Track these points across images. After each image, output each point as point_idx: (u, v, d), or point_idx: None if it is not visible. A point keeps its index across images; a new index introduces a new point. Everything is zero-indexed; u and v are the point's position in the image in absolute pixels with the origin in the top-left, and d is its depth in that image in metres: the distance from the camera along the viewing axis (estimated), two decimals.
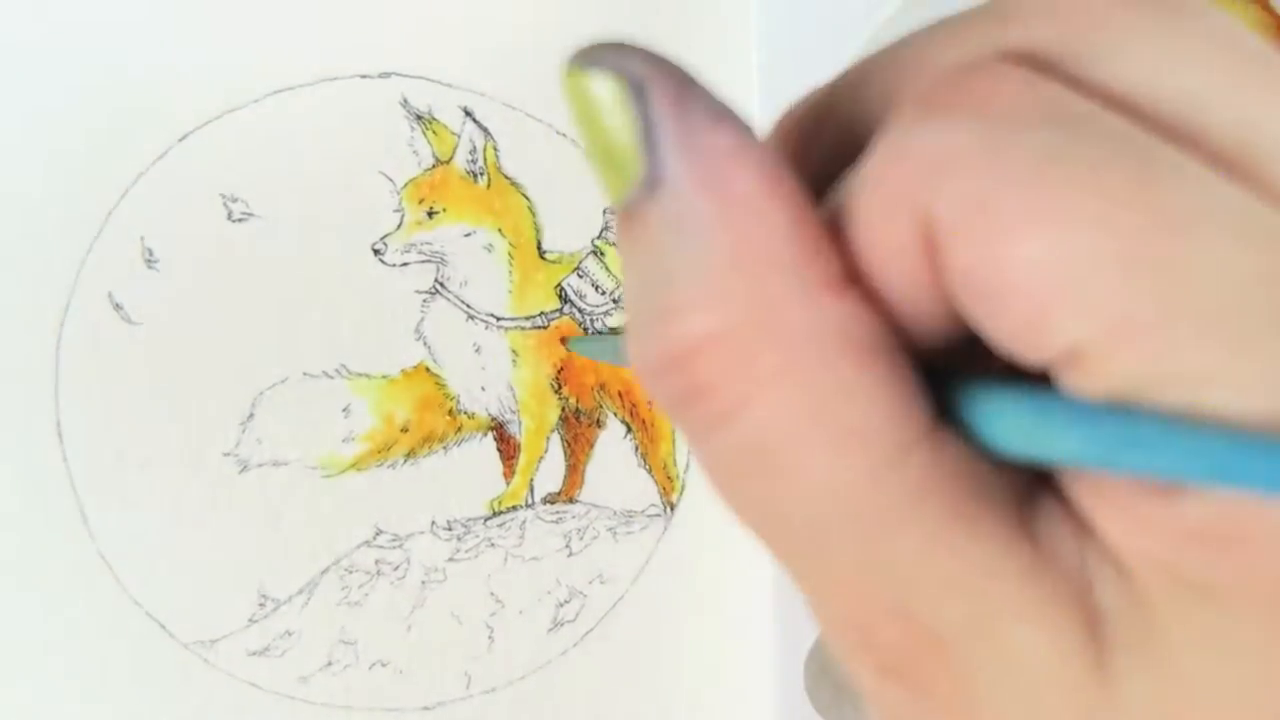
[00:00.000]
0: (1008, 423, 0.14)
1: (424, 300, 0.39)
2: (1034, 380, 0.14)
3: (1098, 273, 0.12)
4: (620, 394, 0.39)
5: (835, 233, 0.14)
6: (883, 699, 0.15)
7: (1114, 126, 0.13)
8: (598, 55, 0.14)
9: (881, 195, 0.14)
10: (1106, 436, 0.12)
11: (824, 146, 0.16)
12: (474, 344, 0.39)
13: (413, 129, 0.38)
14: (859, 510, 0.14)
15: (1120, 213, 0.12)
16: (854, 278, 0.14)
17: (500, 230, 0.39)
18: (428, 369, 0.39)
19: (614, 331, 0.19)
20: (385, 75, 0.38)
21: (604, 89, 0.14)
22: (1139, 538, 0.13)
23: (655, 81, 0.14)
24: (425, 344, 0.39)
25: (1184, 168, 0.13)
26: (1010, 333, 0.13)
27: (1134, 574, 0.13)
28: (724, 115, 0.14)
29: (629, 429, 0.39)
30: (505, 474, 0.39)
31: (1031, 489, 0.14)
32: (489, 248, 0.39)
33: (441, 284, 0.39)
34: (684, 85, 0.14)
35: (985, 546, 0.13)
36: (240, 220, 0.38)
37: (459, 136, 0.38)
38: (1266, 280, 0.12)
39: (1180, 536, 0.12)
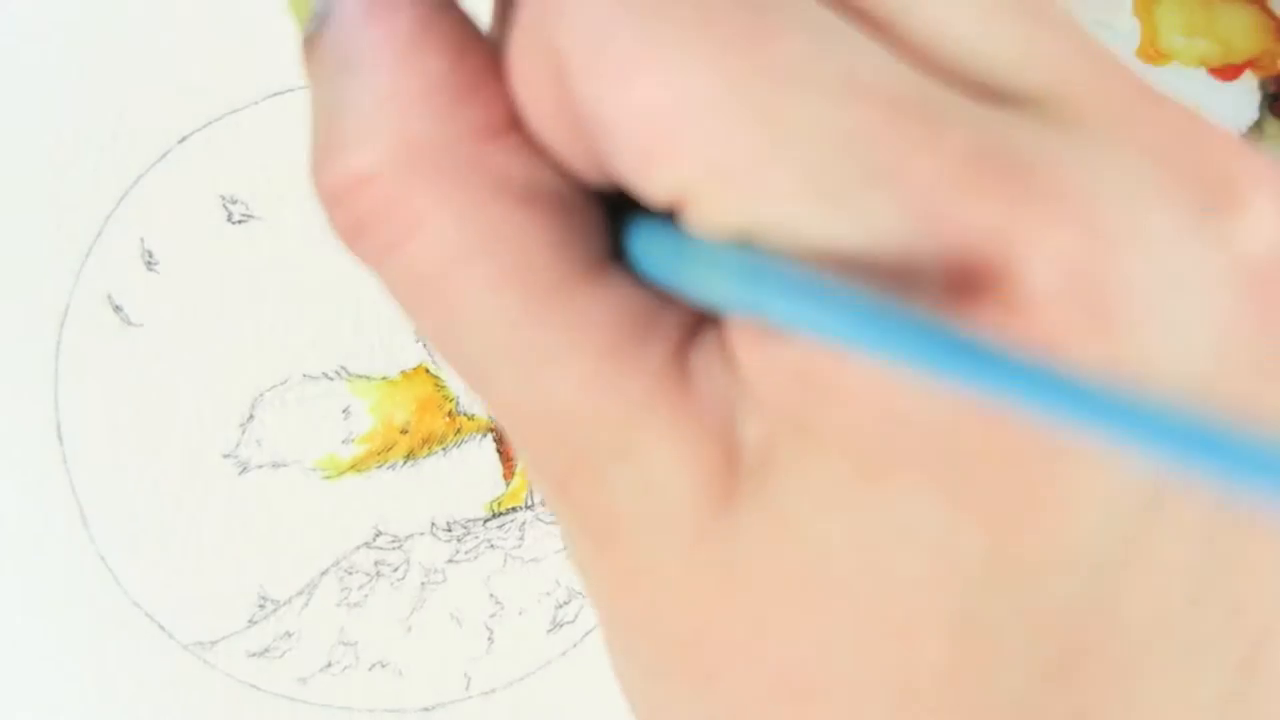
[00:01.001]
0: (656, 257, 0.14)
1: None
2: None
3: (701, 117, 0.12)
4: None
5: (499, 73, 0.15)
6: (560, 521, 0.15)
7: None
8: None
9: (519, 33, 0.14)
10: (721, 278, 0.13)
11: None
12: None
13: None
14: (517, 346, 0.14)
15: (730, 58, 0.12)
16: (517, 121, 0.14)
17: None
18: (428, 370, 0.39)
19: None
20: None
21: None
22: (768, 372, 0.13)
23: None
24: (425, 345, 0.39)
25: (805, 17, 0.13)
26: (629, 173, 0.13)
27: (764, 409, 0.13)
28: None
29: None
30: (505, 475, 0.39)
31: (701, 322, 0.14)
32: None
33: None
34: None
35: (638, 382, 0.14)
36: (240, 222, 0.38)
37: None
38: (858, 137, 0.12)
39: (790, 376, 0.13)
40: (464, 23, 0.15)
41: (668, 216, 0.14)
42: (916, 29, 0.13)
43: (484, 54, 0.14)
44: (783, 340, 0.13)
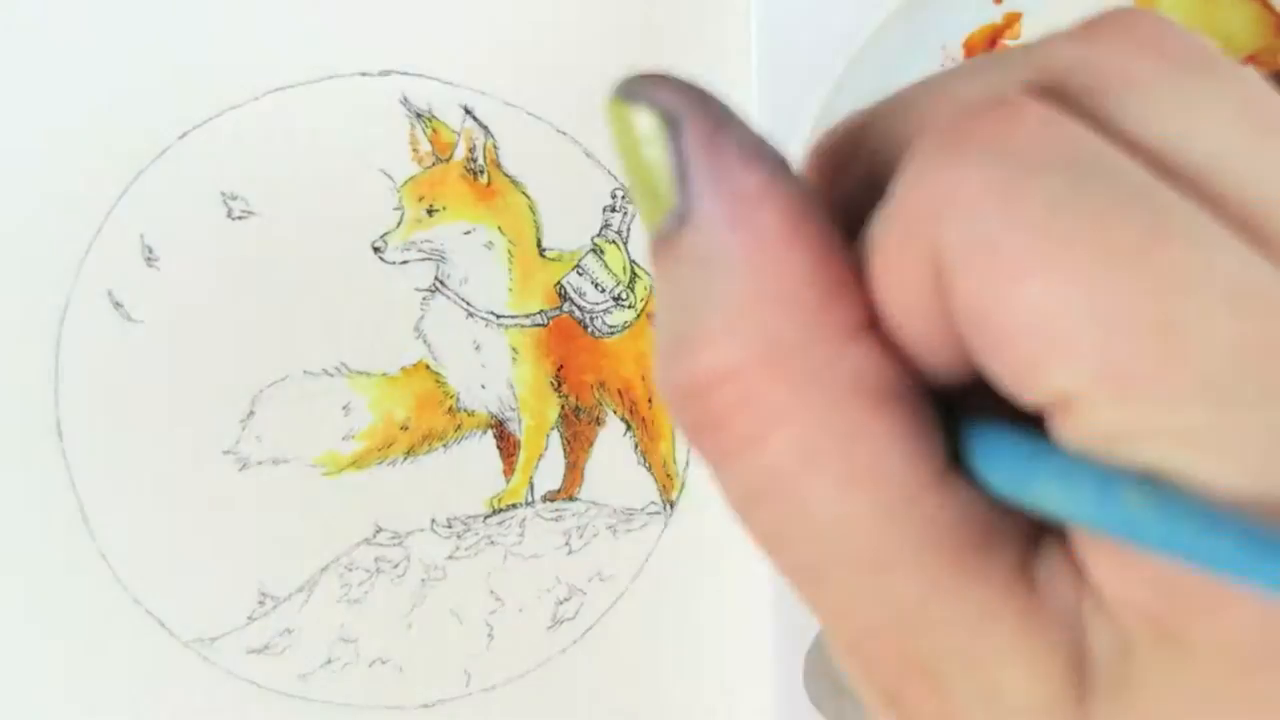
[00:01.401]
0: (1005, 468, 0.14)
1: (424, 298, 0.39)
2: (1038, 427, 0.14)
3: (1094, 323, 0.12)
4: (620, 392, 0.39)
5: (860, 272, 0.15)
6: (880, 716, 0.15)
7: (1132, 175, 0.13)
8: (637, 87, 0.15)
9: (897, 230, 0.14)
10: (1088, 497, 0.13)
11: (856, 177, 0.16)
12: (474, 342, 0.39)
13: (413, 127, 0.38)
14: (863, 550, 0.14)
15: (1124, 265, 0.12)
16: (874, 320, 0.14)
17: (500, 228, 0.39)
18: (428, 367, 0.39)
19: None
20: (385, 73, 0.38)
21: (643, 122, 0.15)
22: (1125, 585, 0.13)
23: (690, 117, 0.15)
24: (425, 342, 0.39)
25: (1197, 226, 0.13)
26: (1008, 374, 0.13)
27: (1121, 621, 0.13)
28: (757, 153, 0.15)
29: (628, 427, 0.39)
30: (505, 472, 0.39)
31: (1039, 532, 0.14)
32: (489, 245, 0.39)
33: (441, 282, 0.39)
34: (719, 122, 0.15)
35: (984, 591, 0.14)
36: (240, 218, 0.38)
37: (459, 134, 0.38)
38: (1262, 350, 0.12)
39: (1162, 588, 0.13)
40: (824, 221, 0.15)
41: (1014, 424, 0.14)
42: None
43: (844, 252, 0.15)
44: (1142, 554, 0.13)
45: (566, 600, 0.39)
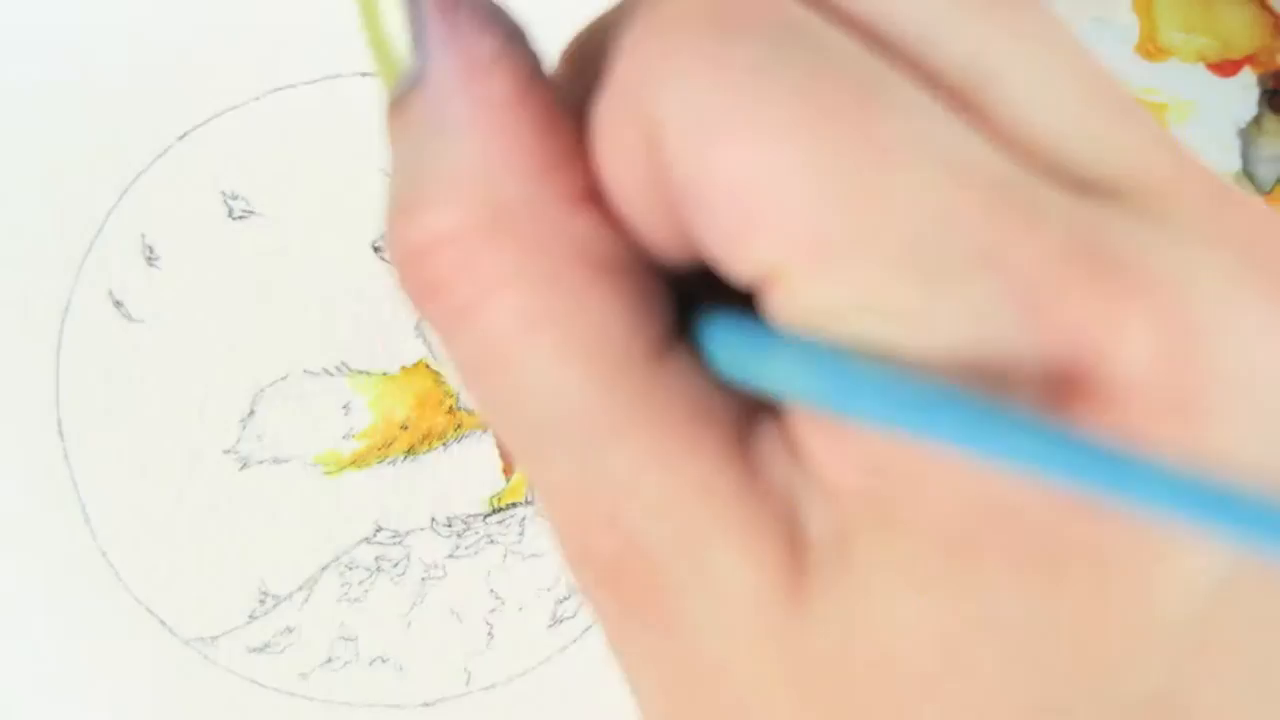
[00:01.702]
0: (727, 349, 0.14)
1: None
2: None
3: (797, 190, 0.12)
4: None
5: (585, 145, 0.14)
6: (599, 608, 0.15)
7: (842, 43, 0.13)
8: None
9: (613, 102, 0.14)
10: (802, 374, 0.12)
11: (592, 77, 0.16)
12: None
13: None
14: (578, 418, 0.14)
15: (830, 131, 0.12)
16: (598, 192, 0.14)
17: None
18: (428, 366, 0.39)
19: None
20: None
21: None
22: (838, 464, 0.13)
23: None
24: (425, 341, 0.39)
25: (906, 95, 0.13)
26: (719, 247, 0.13)
27: (835, 499, 0.13)
28: (492, 19, 0.15)
29: None
30: (505, 471, 0.39)
31: (757, 411, 0.14)
32: None
33: None
34: None
35: (698, 465, 0.13)
36: (241, 218, 0.38)
37: None
38: (966, 221, 0.12)
39: (867, 468, 0.13)
40: (552, 93, 0.15)
41: (741, 305, 0.14)
42: (1007, 117, 0.13)
43: (571, 125, 0.14)
44: (856, 431, 0.13)
45: (567, 599, 0.39)
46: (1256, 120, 0.37)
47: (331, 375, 0.38)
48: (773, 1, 0.13)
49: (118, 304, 0.38)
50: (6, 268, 0.37)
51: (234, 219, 0.38)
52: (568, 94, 0.15)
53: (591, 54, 0.16)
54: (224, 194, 0.38)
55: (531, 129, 0.14)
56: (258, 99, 0.38)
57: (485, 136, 0.14)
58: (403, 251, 0.14)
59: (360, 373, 0.39)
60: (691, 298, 0.14)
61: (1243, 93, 0.37)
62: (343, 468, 0.38)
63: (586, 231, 0.14)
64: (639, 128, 0.13)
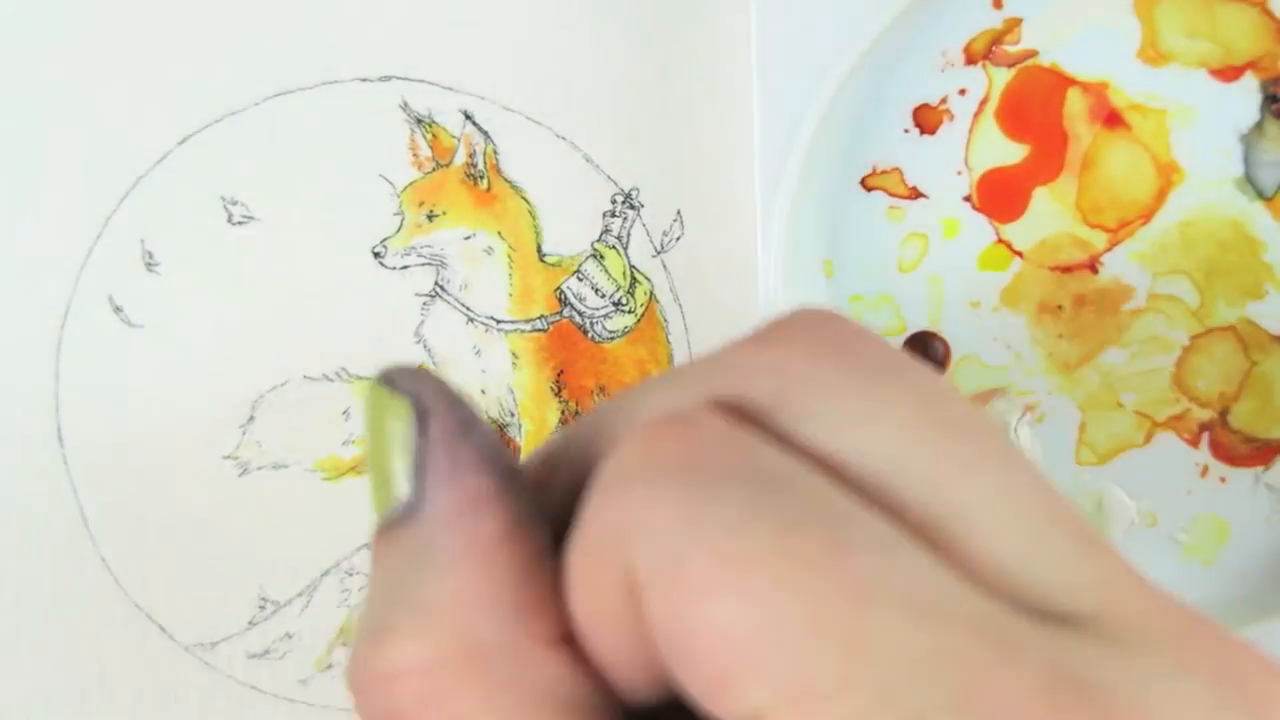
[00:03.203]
0: None
1: (424, 303, 0.39)
2: None
3: (780, 639, 0.12)
4: None
5: (560, 587, 0.15)
6: None
7: (810, 487, 0.13)
8: (398, 377, 0.16)
9: (589, 551, 0.14)
10: None
11: (560, 492, 0.17)
12: (474, 347, 0.39)
13: (413, 132, 0.38)
14: None
15: (803, 581, 0.13)
16: (571, 634, 0.15)
17: (500, 233, 0.39)
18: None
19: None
20: (385, 78, 0.38)
21: (395, 409, 0.15)
22: None
23: (439, 414, 0.15)
24: (425, 347, 0.39)
25: (876, 535, 0.13)
26: (702, 693, 0.13)
27: None
28: (492, 458, 0.15)
29: None
30: None
31: None
32: (489, 251, 0.39)
33: (441, 287, 0.39)
34: (464, 423, 0.15)
35: None
36: (240, 223, 0.38)
37: (459, 140, 0.38)
38: (935, 660, 0.12)
39: None
40: (540, 538, 0.15)
41: None
42: (973, 549, 0.14)
43: (551, 565, 0.15)
44: None
45: None
46: (1258, 126, 0.37)
47: (331, 381, 0.38)
48: (743, 448, 0.14)
49: (117, 309, 0.38)
50: (6, 273, 0.37)
51: (234, 224, 0.38)
52: (538, 503, 0.16)
53: (553, 471, 0.16)
54: (224, 199, 0.38)
55: (514, 571, 0.14)
56: (257, 104, 0.38)
57: (469, 574, 0.14)
58: (367, 676, 0.14)
59: (360, 378, 0.38)
60: None
61: (1244, 98, 0.37)
62: (343, 473, 0.38)
63: (556, 672, 0.14)
64: (614, 575, 0.14)
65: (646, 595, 0.13)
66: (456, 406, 0.15)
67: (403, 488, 0.15)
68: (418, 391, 0.15)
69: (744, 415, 0.14)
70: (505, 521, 0.15)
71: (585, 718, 0.14)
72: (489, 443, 0.15)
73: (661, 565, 0.13)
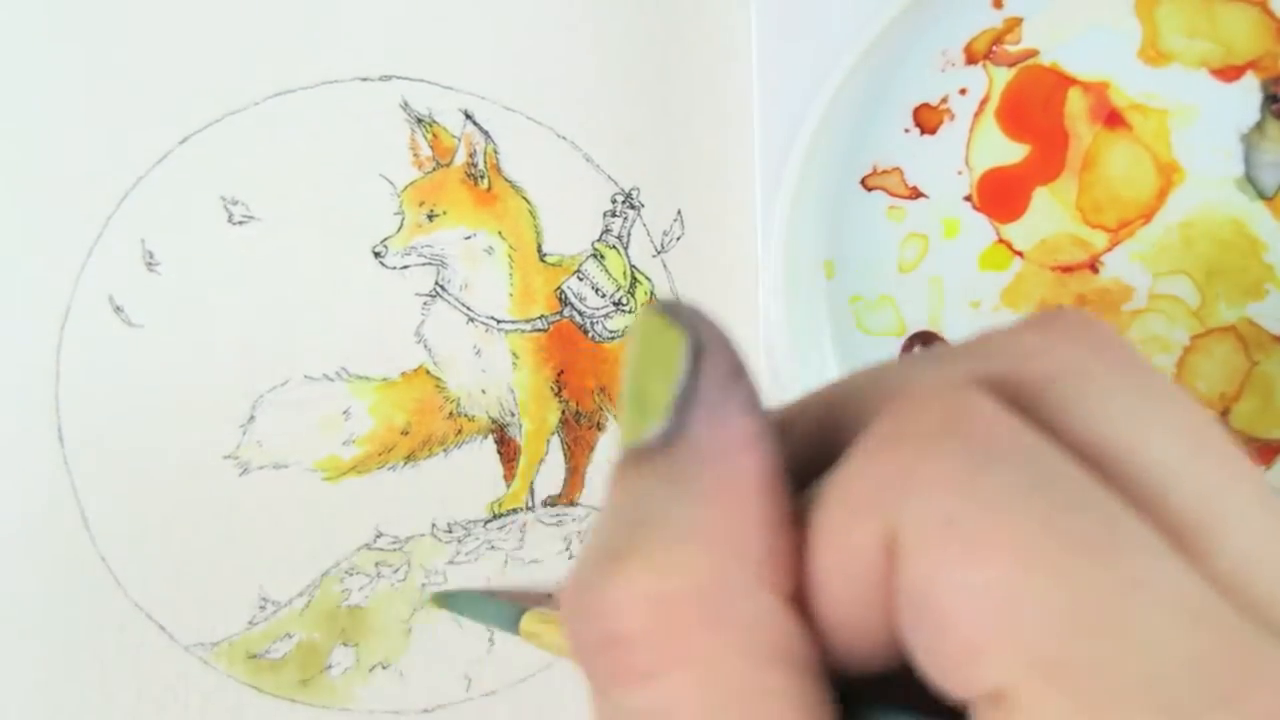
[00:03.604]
0: None
1: (424, 303, 0.39)
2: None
3: (1042, 614, 0.13)
4: None
5: (798, 543, 0.15)
6: None
7: (1084, 481, 0.14)
8: (679, 311, 0.15)
9: (849, 503, 0.14)
10: None
11: (804, 450, 0.16)
12: (474, 347, 0.39)
13: (413, 132, 0.38)
14: None
15: (1075, 563, 0.13)
16: (800, 590, 0.14)
17: (500, 233, 0.39)
18: (428, 371, 0.39)
19: (491, 595, 0.20)
20: (385, 78, 0.38)
21: (670, 339, 0.15)
22: None
23: (714, 353, 0.15)
24: (425, 347, 0.39)
25: (1140, 534, 0.13)
26: (942, 662, 0.13)
27: None
28: (756, 405, 0.15)
29: None
30: (505, 476, 0.39)
31: None
32: (489, 250, 0.39)
33: (442, 287, 0.39)
34: (736, 366, 0.15)
35: None
36: (241, 223, 0.38)
37: (459, 139, 0.38)
38: (1208, 664, 0.12)
39: None
40: (788, 492, 0.15)
41: (909, 713, 0.14)
42: (1227, 567, 0.14)
43: (794, 522, 0.15)
44: None
45: None
46: (1259, 126, 0.37)
47: (331, 381, 0.38)
48: (1015, 428, 0.14)
49: (118, 309, 0.38)
50: (7, 273, 0.37)
51: (234, 224, 0.38)
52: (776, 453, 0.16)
53: (802, 432, 0.16)
54: (224, 199, 0.38)
55: (764, 520, 0.14)
56: (258, 104, 0.38)
57: (726, 510, 0.14)
58: (593, 598, 0.14)
59: (360, 378, 0.38)
60: (846, 698, 0.15)
61: (1245, 98, 0.37)
62: (343, 473, 0.38)
63: (788, 628, 0.14)
64: (874, 534, 0.14)
65: (907, 553, 0.13)
66: (732, 349, 0.15)
67: (663, 417, 0.15)
68: (697, 327, 0.15)
69: (1012, 398, 0.15)
70: (761, 466, 0.15)
71: (805, 678, 0.14)
72: (754, 390, 0.15)
73: (931, 524, 0.13)
